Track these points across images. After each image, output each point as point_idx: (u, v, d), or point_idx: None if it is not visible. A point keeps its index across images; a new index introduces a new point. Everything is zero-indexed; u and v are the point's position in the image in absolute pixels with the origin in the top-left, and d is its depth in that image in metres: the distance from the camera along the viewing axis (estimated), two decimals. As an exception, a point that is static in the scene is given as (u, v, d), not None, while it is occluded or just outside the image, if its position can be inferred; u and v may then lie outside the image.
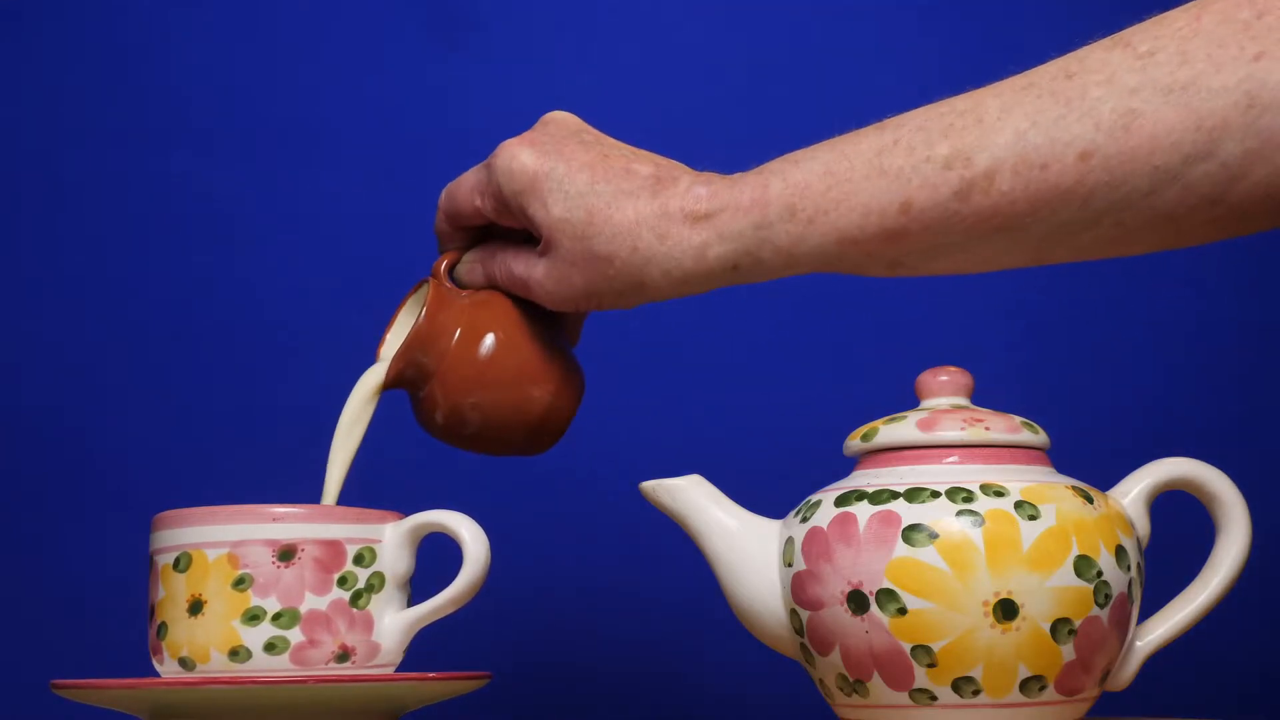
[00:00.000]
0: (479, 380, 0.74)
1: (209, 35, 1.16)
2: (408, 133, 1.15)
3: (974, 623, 0.65)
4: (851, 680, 0.68)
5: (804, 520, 0.69)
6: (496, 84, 1.15)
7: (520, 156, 0.71)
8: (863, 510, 0.67)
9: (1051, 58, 0.66)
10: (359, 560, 0.72)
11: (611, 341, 0.91)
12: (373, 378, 0.75)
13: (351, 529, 0.72)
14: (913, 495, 0.67)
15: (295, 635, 0.71)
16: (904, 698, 0.67)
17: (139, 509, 0.78)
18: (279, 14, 1.16)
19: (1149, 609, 0.71)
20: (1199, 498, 0.71)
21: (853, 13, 1.16)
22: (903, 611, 0.66)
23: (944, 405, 0.71)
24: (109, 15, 1.16)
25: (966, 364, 0.73)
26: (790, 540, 0.69)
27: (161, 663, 0.73)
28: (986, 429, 0.69)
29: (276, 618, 0.71)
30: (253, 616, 0.70)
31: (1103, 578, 0.66)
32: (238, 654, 0.70)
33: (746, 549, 0.71)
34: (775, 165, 0.69)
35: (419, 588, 0.75)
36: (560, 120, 0.74)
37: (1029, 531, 0.66)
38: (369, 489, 0.78)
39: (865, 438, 0.71)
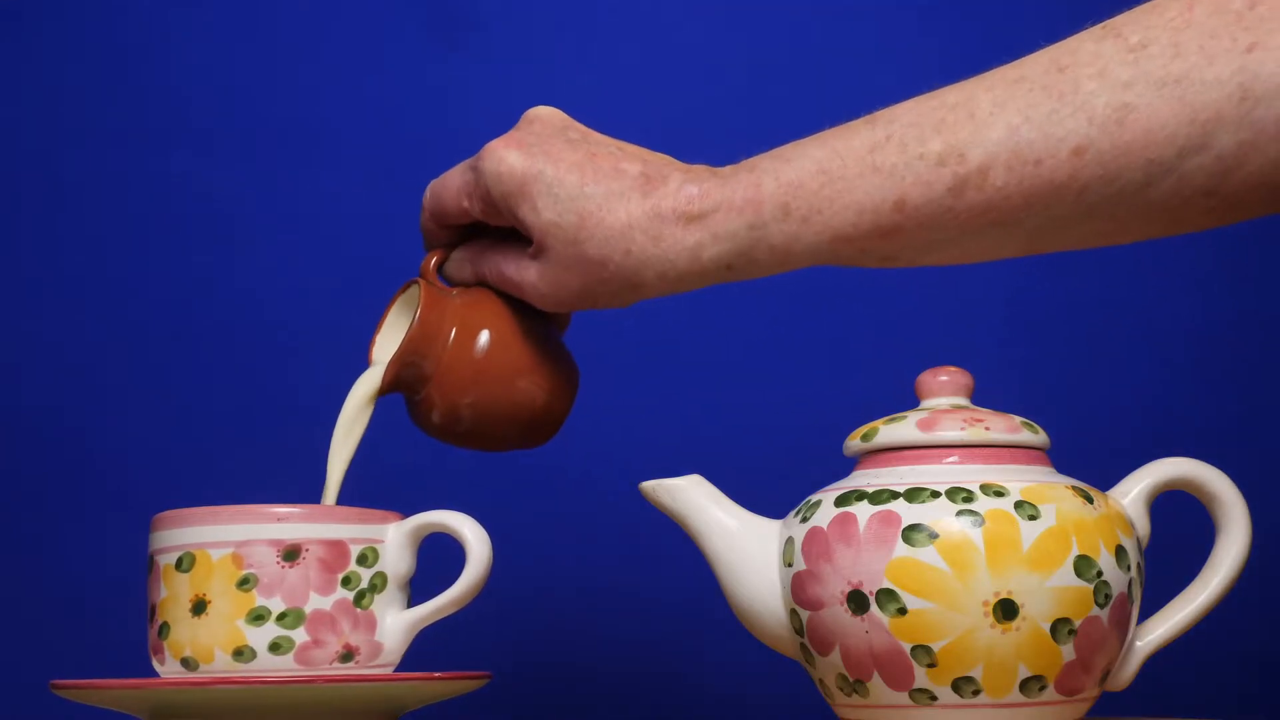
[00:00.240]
0: (475, 380, 0.74)
1: (209, 35, 1.16)
2: (408, 133, 1.15)
3: (974, 623, 0.65)
4: (851, 680, 0.68)
5: (804, 520, 0.69)
6: (496, 84, 1.15)
7: (507, 159, 0.70)
8: (863, 510, 0.67)
9: (1041, 47, 0.66)
10: (362, 560, 0.72)
11: (610, 341, 0.91)
12: (367, 383, 0.75)
13: (355, 529, 0.72)
14: (913, 495, 0.67)
15: (300, 635, 0.71)
16: (904, 698, 0.67)
17: (139, 509, 0.77)
18: (279, 14, 1.16)
19: (1149, 609, 0.71)
20: (1199, 498, 0.71)
21: (853, 13, 1.16)
22: (903, 611, 0.66)
23: (944, 405, 0.71)
24: (109, 15, 1.15)
25: (966, 363, 0.73)
26: (790, 540, 0.69)
27: (163, 663, 0.72)
28: (986, 429, 0.69)
29: (281, 618, 0.70)
30: (257, 616, 0.70)
31: (1103, 578, 0.66)
32: (242, 654, 0.70)
33: (746, 549, 0.70)
34: (766, 163, 0.68)
35: (418, 588, 0.75)
36: (545, 117, 0.72)
37: (1029, 531, 0.66)
38: (367, 489, 0.78)
39: (865, 438, 0.71)
